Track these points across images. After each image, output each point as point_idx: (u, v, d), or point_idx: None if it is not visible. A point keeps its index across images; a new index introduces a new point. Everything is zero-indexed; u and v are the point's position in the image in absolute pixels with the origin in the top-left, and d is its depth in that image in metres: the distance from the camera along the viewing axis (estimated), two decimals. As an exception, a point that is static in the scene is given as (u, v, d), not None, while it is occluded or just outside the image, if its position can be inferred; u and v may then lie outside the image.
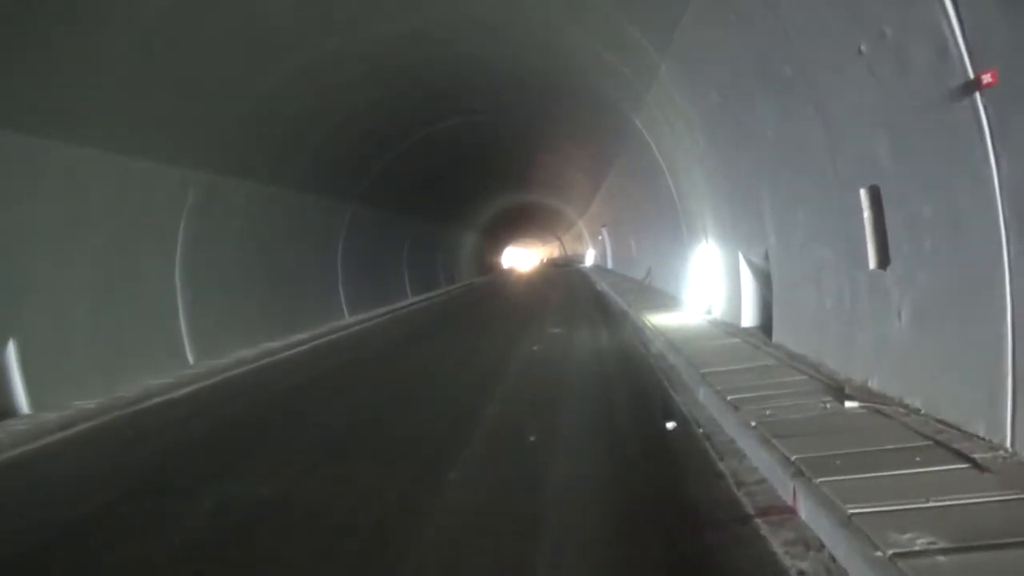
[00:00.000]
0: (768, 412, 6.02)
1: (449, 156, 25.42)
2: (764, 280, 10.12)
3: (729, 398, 6.64)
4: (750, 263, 10.64)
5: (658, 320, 13.01)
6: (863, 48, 5.61)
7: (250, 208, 15.92)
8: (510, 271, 59.50)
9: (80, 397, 9.95)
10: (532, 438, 6.55)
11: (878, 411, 5.69)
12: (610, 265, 36.60)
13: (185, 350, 13.70)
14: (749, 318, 10.82)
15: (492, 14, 13.85)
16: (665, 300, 16.82)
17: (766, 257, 9.38)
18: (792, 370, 7.54)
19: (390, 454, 6.40)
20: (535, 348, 12.34)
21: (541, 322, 16.38)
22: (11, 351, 9.86)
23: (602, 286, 25.88)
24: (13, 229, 9.71)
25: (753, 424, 5.75)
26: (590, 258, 47.74)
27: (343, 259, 21.66)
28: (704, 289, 13.23)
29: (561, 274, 42.62)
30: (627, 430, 6.65)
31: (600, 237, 39.05)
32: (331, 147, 18.09)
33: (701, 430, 6.37)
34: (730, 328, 11.02)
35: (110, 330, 11.40)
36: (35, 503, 5.87)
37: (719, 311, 12.36)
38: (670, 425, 6.54)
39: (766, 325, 10.28)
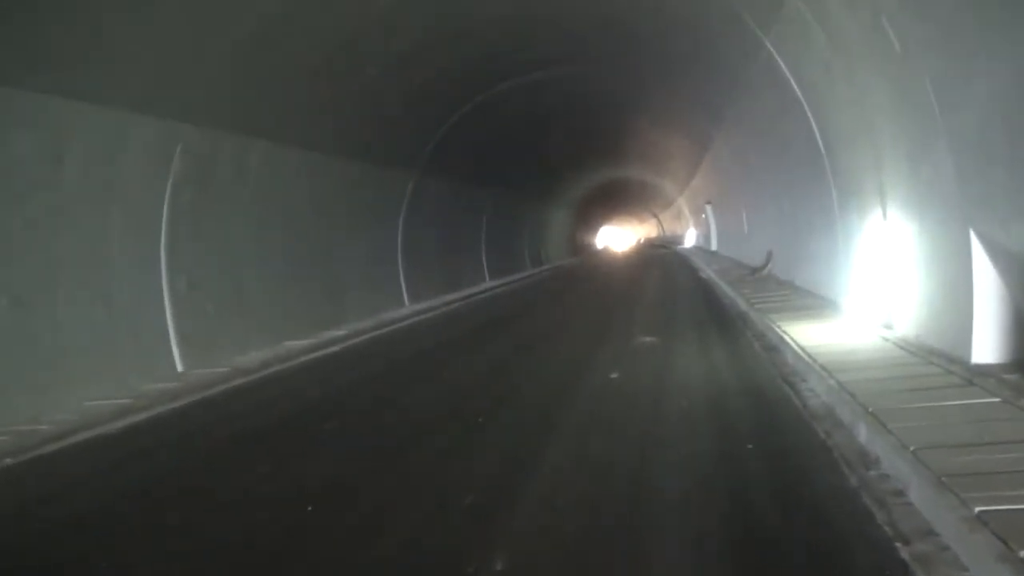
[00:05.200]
0: None
1: (531, 118, 20.81)
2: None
3: None
4: (1001, 251, 5.58)
5: (803, 335, 8.05)
6: None
7: (269, 175, 12.09)
8: (604, 251, 54.43)
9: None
10: None
11: None
12: (714, 247, 31.04)
13: (173, 355, 9.96)
14: (991, 348, 5.75)
15: None
16: (801, 299, 11.64)
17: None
18: None
19: None
20: (613, 376, 7.70)
21: (629, 324, 11.63)
22: None
23: (707, 273, 20.64)
24: None
25: None
26: (690, 238, 41.99)
27: (404, 237, 17.50)
28: (877, 288, 8.15)
29: (658, 256, 37.20)
30: None
31: (703, 215, 33.47)
32: (376, 101, 13.81)
33: None
34: (950, 362, 5.99)
35: (47, 332, 7.97)
36: None
37: (910, 325, 7.27)
38: None
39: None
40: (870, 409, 4.88)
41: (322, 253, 13.86)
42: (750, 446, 4.92)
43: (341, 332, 12.73)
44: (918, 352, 6.54)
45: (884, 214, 7.85)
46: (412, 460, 5.36)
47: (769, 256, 16.21)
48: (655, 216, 60.52)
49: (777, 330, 8.70)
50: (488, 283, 23.07)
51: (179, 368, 9.75)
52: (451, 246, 20.99)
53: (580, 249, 46.96)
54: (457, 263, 21.77)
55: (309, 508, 4.52)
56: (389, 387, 8.34)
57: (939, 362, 6.06)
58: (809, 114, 9.84)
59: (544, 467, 4.91)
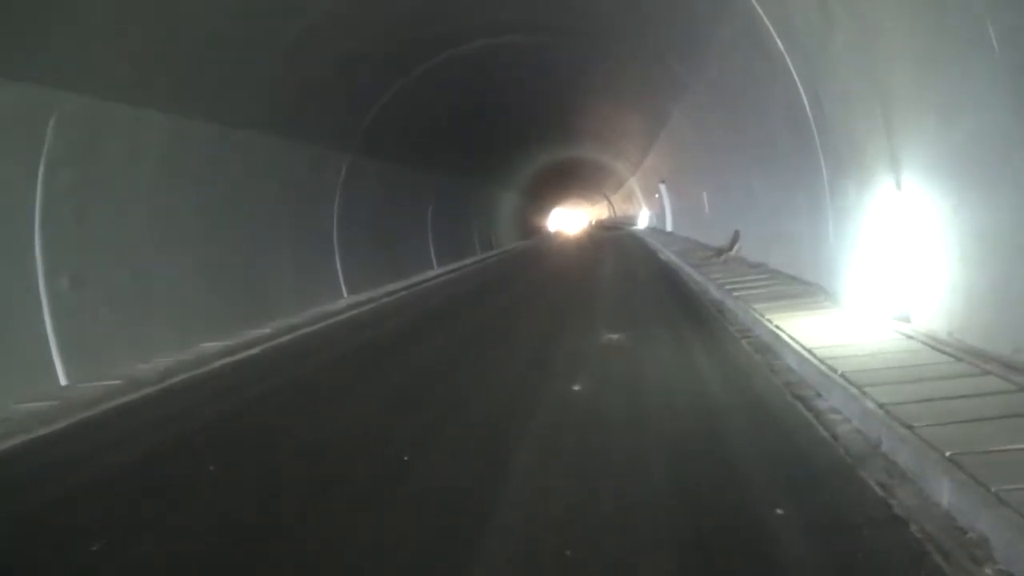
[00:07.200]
0: None
1: (476, 93, 19.01)
2: None
3: None
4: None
5: (801, 331, 6.57)
6: None
7: (173, 152, 10.16)
8: (556, 234, 52.96)
9: None
10: None
11: None
12: (669, 227, 29.74)
13: (54, 365, 8.09)
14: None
15: None
16: (783, 285, 10.19)
17: None
18: None
19: None
20: (576, 388, 6.11)
21: (590, 317, 10.06)
22: None
23: (667, 255, 19.23)
24: None
25: None
26: (643, 219, 40.71)
27: (340, 222, 15.65)
28: (887, 273, 6.72)
29: (612, 238, 35.79)
30: None
31: (656, 195, 32.13)
32: (301, 69, 11.86)
33: None
34: (1010, 370, 4.55)
35: None
36: None
37: (939, 319, 5.83)
38: None
39: None
40: (947, 453, 3.38)
41: (245, 241, 11.99)
42: (780, 511, 3.36)
43: (266, 331, 11.00)
44: (963, 356, 5.08)
45: (898, 184, 6.39)
46: (305, 528, 3.66)
47: (736, 236, 14.83)
48: (606, 198, 59.31)
49: (767, 324, 7.22)
50: (436, 270, 21.35)
51: (62, 381, 7.99)
52: (394, 231, 19.18)
53: (532, 232, 45.41)
54: (401, 249, 19.97)
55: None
56: (298, 406, 6.63)
57: (999, 371, 4.61)
58: (793, 71, 8.34)
59: (485, 537, 3.29)
